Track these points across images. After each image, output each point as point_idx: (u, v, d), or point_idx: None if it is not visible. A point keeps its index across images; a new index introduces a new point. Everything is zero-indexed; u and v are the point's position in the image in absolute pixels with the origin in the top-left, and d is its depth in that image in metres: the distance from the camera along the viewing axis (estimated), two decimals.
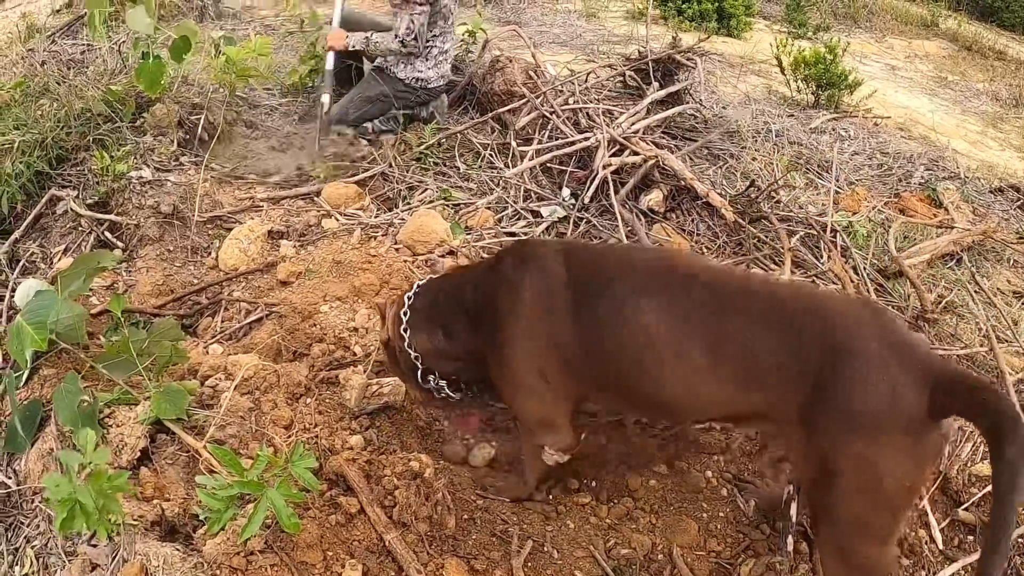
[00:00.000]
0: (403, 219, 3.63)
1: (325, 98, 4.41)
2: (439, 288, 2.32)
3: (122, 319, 2.53)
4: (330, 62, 4.45)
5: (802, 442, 1.87)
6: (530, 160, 3.88)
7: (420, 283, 2.36)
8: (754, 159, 4.52)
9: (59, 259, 3.53)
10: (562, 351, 2.08)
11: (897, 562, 2.22)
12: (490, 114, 4.47)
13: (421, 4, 4.36)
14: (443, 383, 2.39)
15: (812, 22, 9.95)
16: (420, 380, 2.39)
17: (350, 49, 4.45)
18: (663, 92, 4.55)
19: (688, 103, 4.77)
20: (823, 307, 1.91)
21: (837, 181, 4.60)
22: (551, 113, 4.15)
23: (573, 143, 3.95)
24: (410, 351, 2.32)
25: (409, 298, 2.32)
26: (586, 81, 4.79)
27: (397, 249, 3.44)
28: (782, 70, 6.37)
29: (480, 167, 4.18)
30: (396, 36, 4.41)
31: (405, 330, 2.31)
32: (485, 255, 3.36)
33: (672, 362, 1.97)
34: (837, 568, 1.95)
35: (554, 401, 2.19)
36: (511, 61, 4.78)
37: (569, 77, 4.81)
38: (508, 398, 2.33)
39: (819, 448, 1.81)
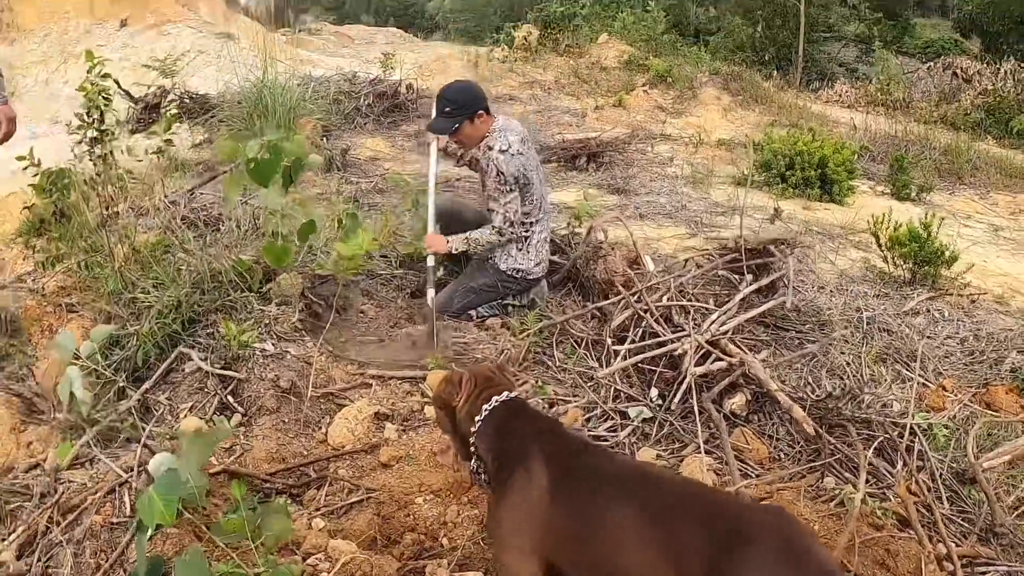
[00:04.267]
0: None
1: (431, 293, 4.75)
2: (507, 420, 2.75)
3: (242, 501, 2.85)
4: (431, 259, 4.83)
5: None
6: (622, 360, 4.13)
7: (502, 401, 2.80)
8: (842, 352, 4.67)
9: (184, 415, 3.88)
10: (543, 519, 2.47)
11: None
12: (590, 307, 4.77)
13: (509, 193, 4.74)
14: (481, 471, 2.83)
15: (916, 182, 10.04)
16: (466, 453, 2.88)
17: (453, 252, 4.84)
18: (754, 287, 4.77)
19: (781, 292, 4.95)
20: (740, 511, 2.28)
21: (924, 374, 4.71)
22: (645, 311, 4.40)
23: (664, 344, 4.18)
24: (471, 439, 2.77)
25: (488, 409, 2.77)
26: (684, 269, 5.06)
27: None
28: (880, 246, 6.51)
29: (576, 359, 4.43)
30: (493, 227, 4.81)
31: (476, 422, 2.75)
32: None
33: (612, 542, 2.32)
34: None
35: (522, 555, 2.51)
36: (613, 249, 5.07)
37: (664, 274, 5.03)
38: (490, 531, 2.84)
39: None
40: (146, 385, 4.05)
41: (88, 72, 5.03)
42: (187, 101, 10.34)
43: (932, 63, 19.96)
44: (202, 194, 6.48)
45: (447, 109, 4.79)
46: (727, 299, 4.75)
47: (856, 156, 9.80)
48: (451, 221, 5.03)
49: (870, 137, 12.73)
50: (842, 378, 4.42)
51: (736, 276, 5.03)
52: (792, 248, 5.15)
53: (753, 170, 9.07)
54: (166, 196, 6.07)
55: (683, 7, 25.90)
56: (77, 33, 16.20)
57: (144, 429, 3.68)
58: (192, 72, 11.86)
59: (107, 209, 5.22)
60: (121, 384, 4.00)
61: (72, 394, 3.26)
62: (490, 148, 4.74)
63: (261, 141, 3.80)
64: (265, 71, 8.75)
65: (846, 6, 24.82)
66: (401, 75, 11.62)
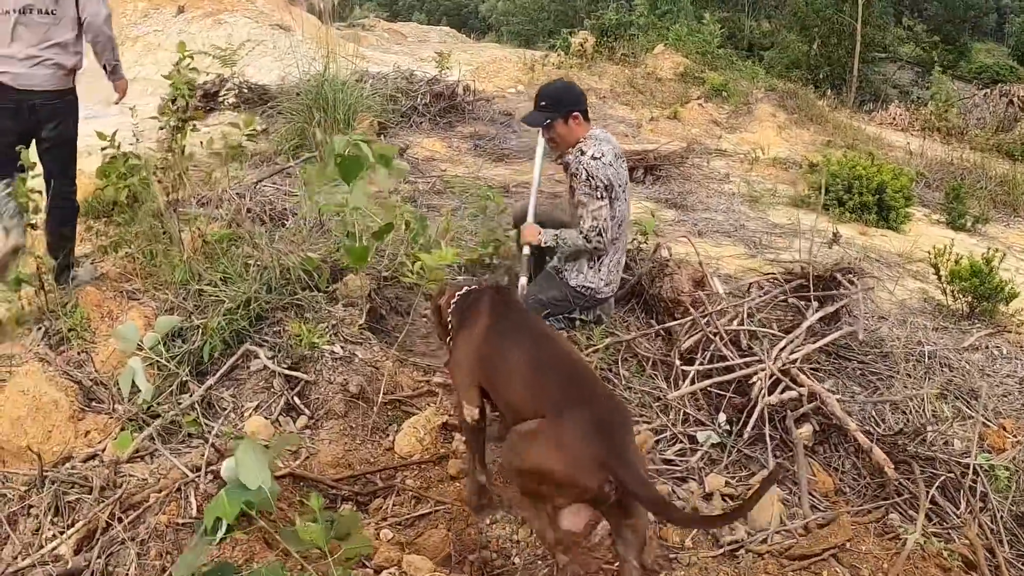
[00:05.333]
0: None
1: (523, 280, 4.78)
2: (469, 297, 3.51)
3: (320, 512, 2.82)
4: (527, 249, 4.81)
5: None
6: (692, 384, 4.10)
7: (469, 288, 3.57)
8: (905, 386, 4.60)
9: (250, 414, 3.89)
10: (477, 350, 3.28)
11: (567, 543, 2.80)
12: (657, 327, 4.71)
13: (598, 200, 4.59)
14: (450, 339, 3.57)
15: (971, 212, 9.93)
16: (444, 333, 3.63)
17: (543, 245, 4.76)
18: (820, 314, 4.71)
19: (844, 320, 4.91)
20: (586, 383, 2.96)
21: (983, 413, 4.63)
22: (715, 335, 4.36)
23: (732, 368, 4.16)
24: (448, 318, 3.52)
25: (457, 296, 3.53)
26: (748, 293, 5.01)
27: None
28: (939, 278, 6.43)
29: (643, 378, 4.40)
30: (580, 232, 4.64)
31: (450, 308, 3.52)
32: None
33: (510, 377, 3.08)
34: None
35: (468, 376, 3.30)
36: (679, 267, 5.00)
37: (734, 300, 4.97)
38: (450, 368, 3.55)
39: None
40: (210, 381, 4.06)
41: (177, 64, 5.08)
42: (245, 91, 10.40)
43: (988, 89, 19.65)
44: (265, 187, 6.49)
45: (543, 103, 4.71)
46: (791, 324, 4.71)
47: (913, 183, 9.71)
48: (548, 226, 4.93)
49: (926, 163, 12.57)
50: (904, 412, 4.37)
51: (802, 303, 4.96)
52: (858, 277, 5.08)
53: (813, 192, 9.00)
54: (230, 188, 6.09)
55: (737, 20, 25.73)
56: (135, 16, 16.32)
57: (208, 427, 3.68)
58: (248, 62, 11.92)
59: (167, 196, 5.25)
60: (184, 378, 4.02)
61: (133, 385, 3.24)
62: (582, 153, 4.62)
63: (349, 137, 3.78)
64: (327, 66, 8.75)
65: (902, 27, 24.59)
66: (459, 76, 11.61)
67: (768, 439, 3.82)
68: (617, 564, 2.85)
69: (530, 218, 4.90)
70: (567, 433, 2.65)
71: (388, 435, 3.86)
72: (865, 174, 8.96)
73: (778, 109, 14.45)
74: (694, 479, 3.69)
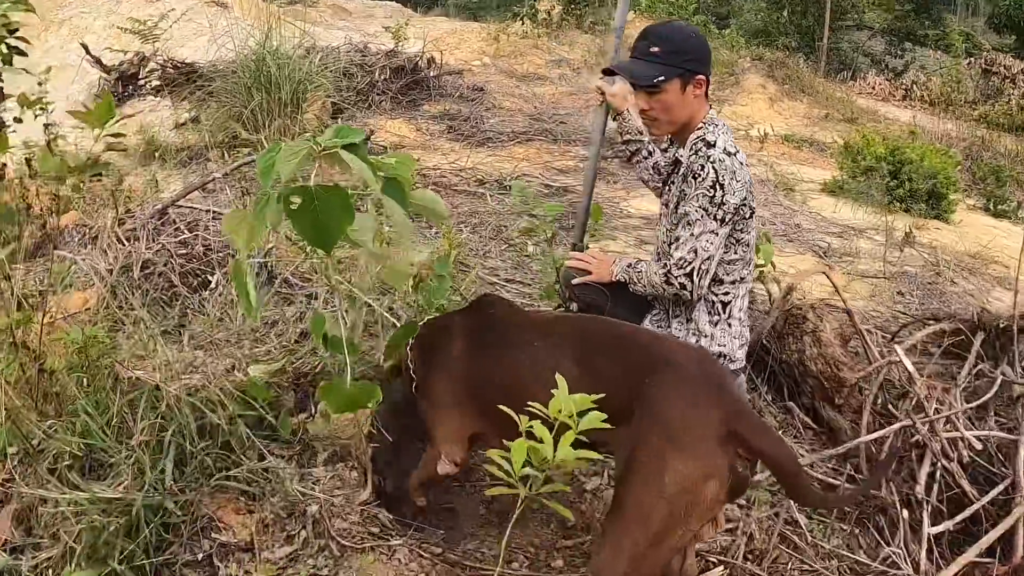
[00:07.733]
0: None
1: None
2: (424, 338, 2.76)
3: None
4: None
5: (622, 438, 2.17)
6: (941, 552, 2.55)
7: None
8: None
9: None
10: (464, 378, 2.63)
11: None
12: (849, 444, 2.99)
13: (714, 223, 2.80)
14: None
15: (1013, 198, 8.92)
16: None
17: (614, 278, 3.10)
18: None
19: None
20: (652, 342, 2.39)
21: None
22: (940, 453, 2.80)
23: (982, 515, 2.62)
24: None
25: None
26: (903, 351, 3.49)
27: None
28: None
29: (830, 528, 2.75)
30: (664, 266, 2.88)
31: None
32: None
33: (528, 390, 2.21)
34: (609, 552, 2.13)
35: (455, 418, 2.63)
36: (821, 320, 3.34)
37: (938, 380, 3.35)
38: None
39: (629, 442, 2.14)
40: None
41: None
42: (170, 71, 8.70)
43: (972, 59, 18.63)
44: (185, 207, 4.36)
45: (654, 50, 2.85)
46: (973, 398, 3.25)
47: (959, 166, 8.53)
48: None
49: (934, 140, 11.41)
50: None
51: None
52: None
53: (853, 180, 7.72)
54: (121, 221, 3.95)
55: None
56: None
57: None
58: (182, 42, 10.39)
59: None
60: None
61: None
62: (709, 144, 2.83)
63: (312, 143, 1.89)
64: (267, 36, 7.18)
65: None
66: (423, 48, 10.12)
67: None
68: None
69: (584, 238, 3.46)
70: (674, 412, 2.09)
71: None
72: (916, 158, 7.64)
73: (767, 80, 13.21)
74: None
